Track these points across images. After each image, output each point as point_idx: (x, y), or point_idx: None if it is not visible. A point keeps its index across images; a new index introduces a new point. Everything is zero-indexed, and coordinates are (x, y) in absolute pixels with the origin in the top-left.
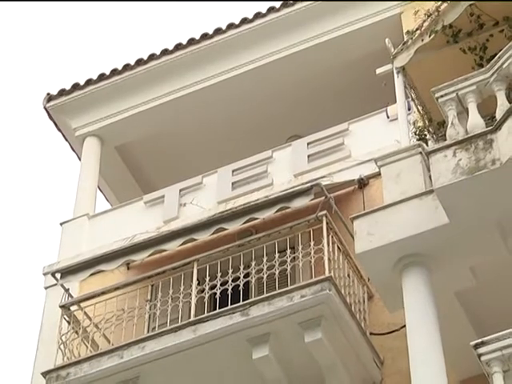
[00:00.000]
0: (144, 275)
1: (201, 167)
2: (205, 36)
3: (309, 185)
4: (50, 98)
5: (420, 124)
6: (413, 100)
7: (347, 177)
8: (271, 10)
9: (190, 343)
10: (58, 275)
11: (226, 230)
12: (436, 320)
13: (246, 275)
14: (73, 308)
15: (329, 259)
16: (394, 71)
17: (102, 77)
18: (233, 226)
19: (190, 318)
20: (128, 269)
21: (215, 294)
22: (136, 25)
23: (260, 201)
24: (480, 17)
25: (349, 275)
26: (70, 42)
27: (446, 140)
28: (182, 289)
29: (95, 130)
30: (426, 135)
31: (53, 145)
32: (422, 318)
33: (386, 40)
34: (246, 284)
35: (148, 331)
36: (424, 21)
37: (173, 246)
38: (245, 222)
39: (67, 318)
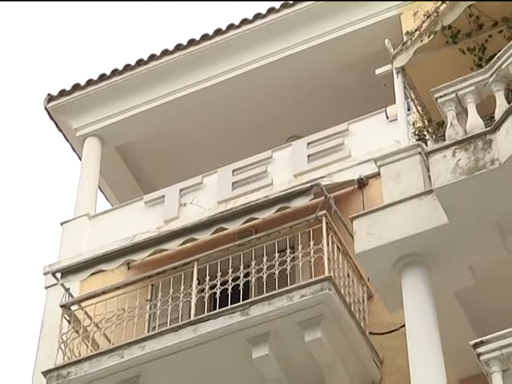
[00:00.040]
0: (144, 275)
1: (201, 167)
2: (205, 37)
3: (308, 185)
4: (50, 98)
5: (419, 124)
6: (412, 100)
7: (347, 177)
8: (271, 10)
9: (190, 343)
10: (58, 275)
11: (226, 229)
12: (435, 319)
13: (246, 275)
14: (73, 307)
15: (328, 259)
16: (394, 72)
17: (102, 77)
18: (233, 226)
19: (190, 317)
20: (128, 268)
21: (215, 293)
22: (136, 25)
23: (260, 201)
24: (479, 18)
25: (348, 275)
26: (71, 42)
27: (445, 140)
28: (182, 288)
29: (96, 130)
30: (425, 135)
31: (53, 145)
32: (422, 317)
33: (386, 41)
34: (246, 284)
35: (148, 331)
36: (423, 22)
37: (173, 246)
38: (245, 222)
39: (68, 318)
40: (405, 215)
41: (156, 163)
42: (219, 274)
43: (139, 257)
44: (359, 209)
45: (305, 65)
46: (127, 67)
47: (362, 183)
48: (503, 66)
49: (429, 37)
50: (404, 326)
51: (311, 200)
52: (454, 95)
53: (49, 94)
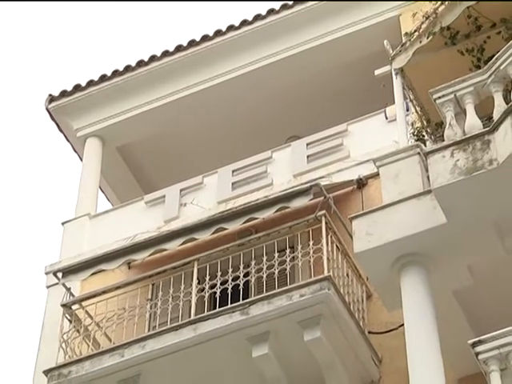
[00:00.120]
0: (145, 274)
1: (201, 167)
2: (205, 38)
3: (308, 185)
4: (51, 99)
5: (418, 125)
6: (411, 101)
7: (346, 177)
8: (271, 12)
9: (191, 342)
10: (59, 274)
11: (226, 229)
12: (434, 319)
13: (246, 274)
14: (74, 307)
15: (328, 259)
16: (393, 72)
17: (103, 78)
18: (233, 226)
19: (190, 316)
20: (129, 268)
21: (215, 293)
22: (137, 26)
23: (260, 201)
24: (477, 19)
25: (347, 274)
26: (72, 43)
27: (443, 141)
28: (182, 288)
29: (97, 130)
30: (424, 136)
31: (54, 145)
32: (420, 316)
33: (385, 42)
34: (246, 283)
35: (149, 330)
36: (422, 23)
37: (173, 246)
38: (245, 222)
39: (69, 317)
40: (404, 215)
41: (156, 163)
42: (219, 273)
43: (140, 256)
44: (358, 209)
45: (304, 66)
46: (128, 68)
47: (361, 183)
48: (502, 67)
49: (428, 38)
50: (403, 325)
51: (311, 200)
52: (452, 96)
53: (50, 95)
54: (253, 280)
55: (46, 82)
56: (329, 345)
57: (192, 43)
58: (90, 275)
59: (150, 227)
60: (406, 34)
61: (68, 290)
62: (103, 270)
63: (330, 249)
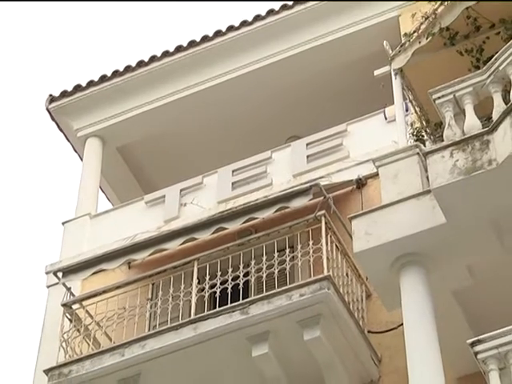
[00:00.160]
0: (145, 274)
1: (201, 167)
2: (205, 38)
3: (308, 185)
4: (52, 99)
5: (417, 125)
6: (410, 101)
7: (346, 177)
8: (270, 12)
9: (191, 341)
10: (60, 274)
11: (225, 229)
12: (433, 318)
13: (246, 274)
14: (75, 306)
15: (327, 258)
16: (392, 73)
17: (103, 78)
18: (233, 226)
19: (190, 316)
20: (129, 268)
21: (215, 292)
22: (137, 27)
23: (259, 201)
24: (476, 19)
25: (347, 274)
26: (72, 43)
27: (443, 141)
28: (182, 287)
29: (97, 130)
30: (423, 136)
31: (55, 146)
32: (420, 316)
33: (384, 42)
34: (246, 283)
35: (149, 329)
36: (421, 23)
37: (173, 246)
38: (244, 222)
39: (69, 316)
40: (403, 215)
41: (157, 163)
42: (219, 273)
43: (140, 256)
44: (358, 209)
45: (303, 66)
46: (128, 68)
47: (360, 183)
48: (501, 68)
49: (427, 38)
50: (402, 324)
51: (310, 200)
52: (451, 96)
53: (50, 95)
54: (253, 280)
55: (47, 82)
56: (328, 344)
57: (192, 44)
58: (90, 275)
59: (150, 227)
60: (406, 34)
61: (68, 289)
62: (103, 270)
63: (329, 248)
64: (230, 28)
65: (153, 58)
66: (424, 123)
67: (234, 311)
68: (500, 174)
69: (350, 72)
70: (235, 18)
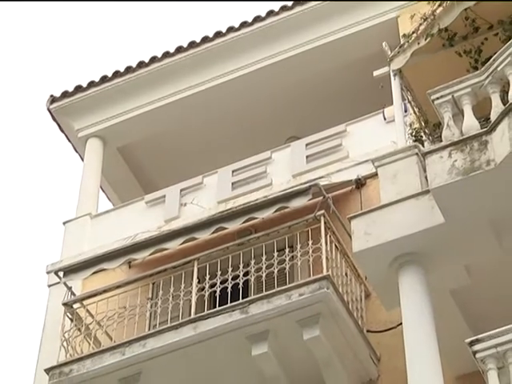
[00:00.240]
0: (145, 274)
1: (201, 167)
2: (205, 39)
3: (307, 185)
4: (53, 99)
5: (416, 125)
6: (409, 102)
7: (345, 177)
8: (270, 13)
9: (191, 340)
10: (61, 274)
11: (225, 229)
12: (432, 318)
13: (246, 274)
14: (75, 306)
15: (327, 258)
16: (391, 74)
17: (104, 79)
18: (232, 226)
19: (190, 315)
20: (129, 267)
21: (215, 292)
22: (138, 28)
23: (259, 201)
24: (475, 20)
25: (346, 274)
26: (73, 44)
27: (441, 141)
28: (182, 287)
29: (98, 131)
30: (422, 136)
31: (56, 146)
32: (418, 315)
33: (383, 43)
34: (246, 282)
35: (149, 328)
36: (420, 24)
37: (173, 245)
38: (244, 222)
39: (70, 316)
40: (402, 215)
41: (157, 163)
42: (219, 272)
43: (140, 256)
44: (357, 209)
45: (303, 67)
46: (128, 69)
47: (359, 183)
48: (499, 68)
49: (426, 39)
50: (401, 324)
51: (310, 200)
52: (450, 97)
53: (51, 96)
54: (252, 279)
55: (48, 82)
56: (327, 343)
57: (192, 44)
58: (90, 274)
59: (150, 227)
60: (404, 35)
61: (69, 288)
62: (104, 269)
63: (328, 248)
64: (230, 29)
65: (153, 59)
66: (423, 124)
67: (233, 310)
68: (498, 175)
69: (349, 73)
70: (235, 19)
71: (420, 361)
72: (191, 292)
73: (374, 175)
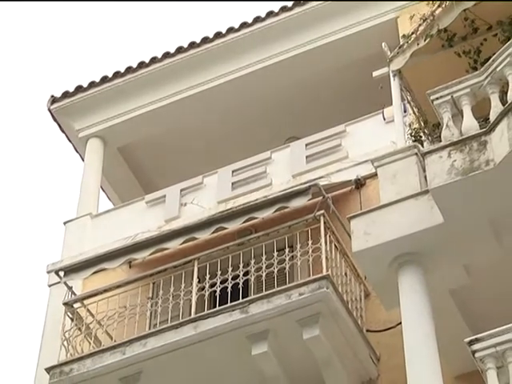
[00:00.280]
0: (146, 273)
1: (201, 167)
2: (205, 39)
3: (307, 185)
4: (53, 100)
5: (416, 126)
6: (409, 102)
7: (344, 177)
8: (270, 14)
9: (191, 340)
10: (61, 273)
11: (225, 229)
12: (431, 317)
13: (246, 273)
14: (76, 305)
15: (326, 258)
16: (391, 74)
17: (104, 79)
18: (232, 226)
19: (190, 315)
20: (130, 267)
21: (215, 291)
22: (138, 28)
23: (259, 201)
24: (474, 21)
25: (346, 274)
26: (74, 45)
27: (441, 141)
28: (182, 287)
29: (98, 131)
30: (421, 137)
31: (56, 146)
32: (418, 315)
33: (383, 44)
34: (246, 282)
35: (149, 328)
36: (419, 25)
37: (174, 245)
38: (244, 222)
39: (70, 315)
40: (401, 215)
41: (157, 163)
42: (219, 272)
43: (140, 255)
44: (356, 209)
45: (302, 67)
46: (129, 69)
47: (359, 183)
48: (498, 69)
49: (425, 40)
50: (400, 323)
51: (309, 200)
52: (449, 97)
53: (52, 96)
54: (252, 279)
55: (48, 83)
56: (327, 343)
57: (192, 45)
58: (91, 274)
59: (150, 227)
60: (404, 36)
61: (70, 288)
62: (104, 269)
63: (328, 248)
64: (230, 29)
65: (153, 59)
66: (422, 124)
67: (233, 310)
68: (497, 175)
69: (349, 73)
70: (235, 20)
71: (419, 360)
72: (191, 292)
73: (374, 175)
